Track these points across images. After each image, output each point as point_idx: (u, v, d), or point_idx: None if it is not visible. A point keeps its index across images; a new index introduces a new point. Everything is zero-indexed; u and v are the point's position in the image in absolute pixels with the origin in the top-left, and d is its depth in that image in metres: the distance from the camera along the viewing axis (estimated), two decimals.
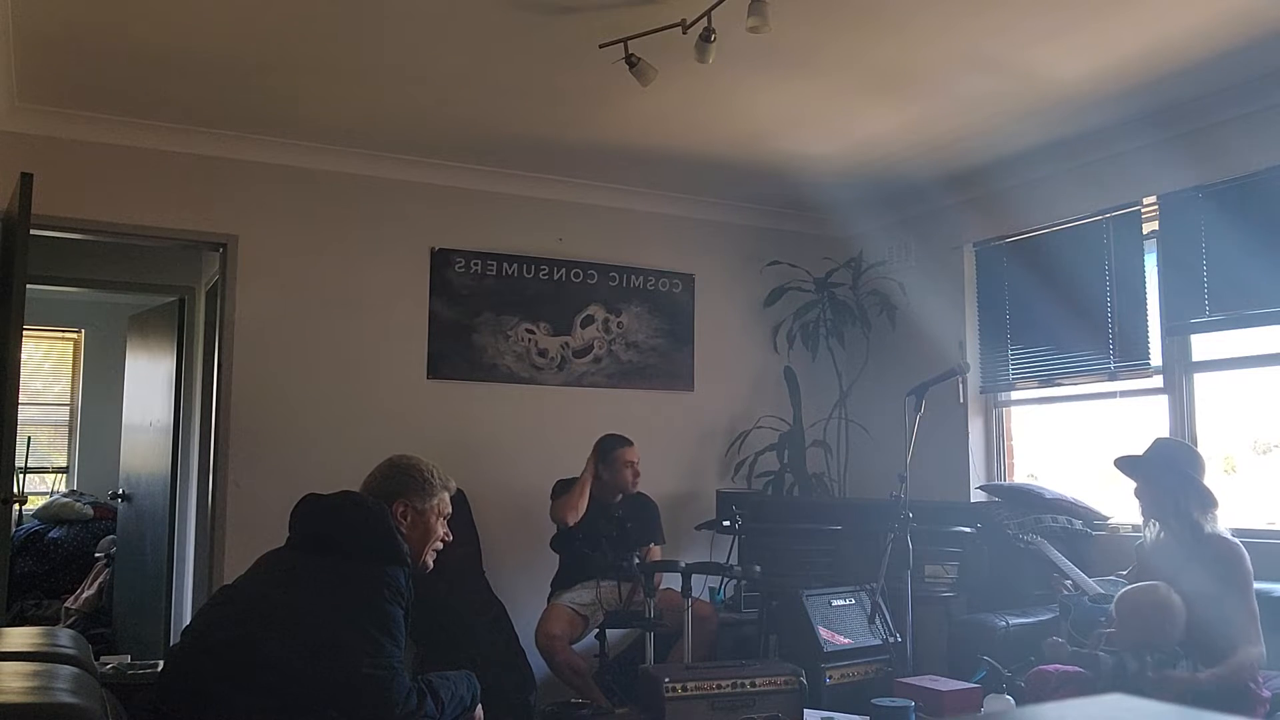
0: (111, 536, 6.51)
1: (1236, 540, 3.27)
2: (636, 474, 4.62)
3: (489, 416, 5.07)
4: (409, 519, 2.61)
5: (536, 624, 4.38)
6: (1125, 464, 3.54)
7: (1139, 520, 3.63)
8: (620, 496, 4.62)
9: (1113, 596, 3.36)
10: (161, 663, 3.09)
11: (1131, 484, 3.54)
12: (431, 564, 2.68)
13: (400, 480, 2.64)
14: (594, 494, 4.63)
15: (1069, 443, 4.95)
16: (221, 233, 4.62)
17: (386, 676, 2.26)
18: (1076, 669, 3.27)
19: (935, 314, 5.34)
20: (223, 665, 2.26)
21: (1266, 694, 3.10)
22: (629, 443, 4.64)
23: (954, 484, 5.08)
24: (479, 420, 5.05)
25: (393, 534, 2.47)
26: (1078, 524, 4.32)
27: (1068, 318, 4.69)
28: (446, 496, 2.70)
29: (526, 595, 4.69)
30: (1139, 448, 3.55)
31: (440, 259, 5.04)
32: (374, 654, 2.26)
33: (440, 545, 2.69)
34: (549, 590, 4.58)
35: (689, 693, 3.07)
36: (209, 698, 2.23)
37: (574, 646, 4.38)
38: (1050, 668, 3.32)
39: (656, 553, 4.61)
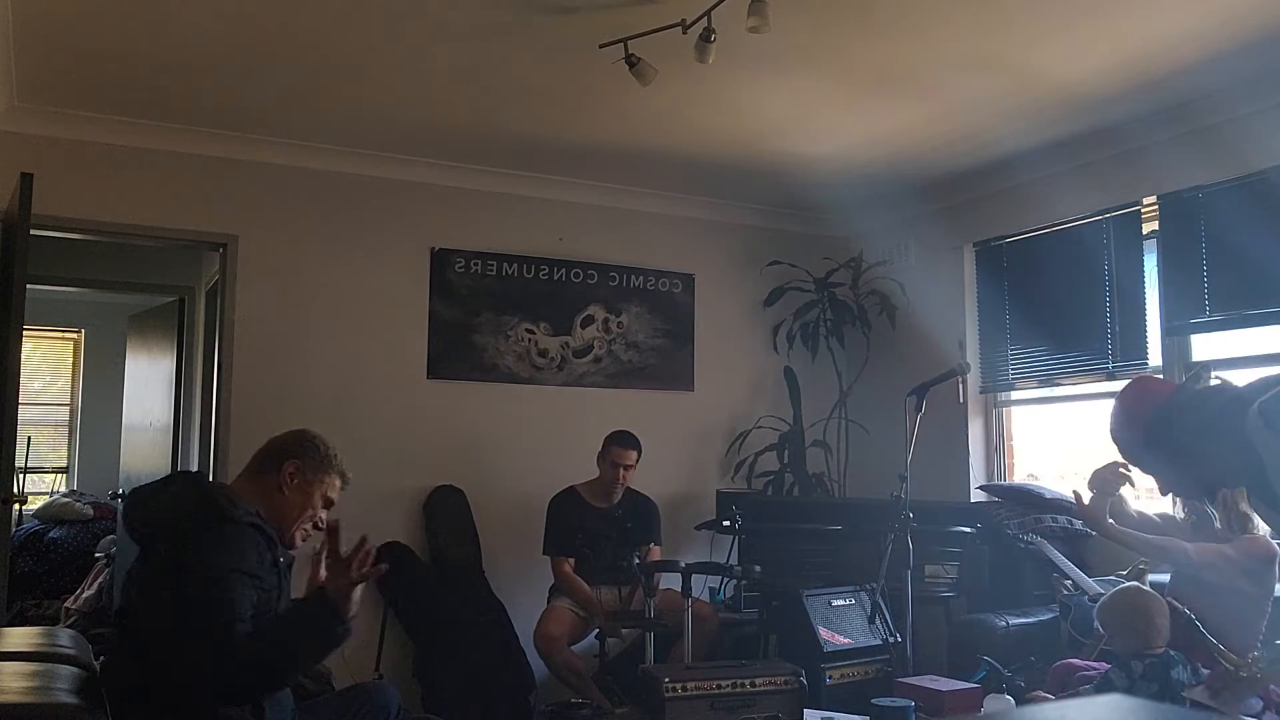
0: (111, 536, 6.50)
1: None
2: (622, 475, 4.55)
3: (489, 416, 5.07)
4: (295, 482, 2.58)
5: (536, 625, 4.38)
6: None
7: None
8: (616, 499, 4.61)
9: None
10: None
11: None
12: (300, 541, 2.61)
13: (302, 445, 2.65)
14: (593, 493, 4.64)
15: (1069, 443, 4.95)
16: (221, 233, 4.62)
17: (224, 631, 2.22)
18: (1097, 669, 3.25)
19: (935, 314, 5.34)
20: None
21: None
22: (626, 443, 4.59)
23: (954, 484, 5.08)
24: (479, 420, 5.04)
25: (209, 499, 2.42)
26: (1078, 524, 4.31)
27: (1067, 318, 4.69)
28: (338, 482, 2.66)
29: (526, 595, 4.68)
30: None
31: (440, 259, 5.03)
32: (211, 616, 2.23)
33: (311, 527, 2.61)
34: (548, 591, 4.58)
35: (689, 693, 3.07)
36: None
37: (574, 647, 4.38)
38: (1076, 662, 3.30)
39: (656, 553, 4.61)
